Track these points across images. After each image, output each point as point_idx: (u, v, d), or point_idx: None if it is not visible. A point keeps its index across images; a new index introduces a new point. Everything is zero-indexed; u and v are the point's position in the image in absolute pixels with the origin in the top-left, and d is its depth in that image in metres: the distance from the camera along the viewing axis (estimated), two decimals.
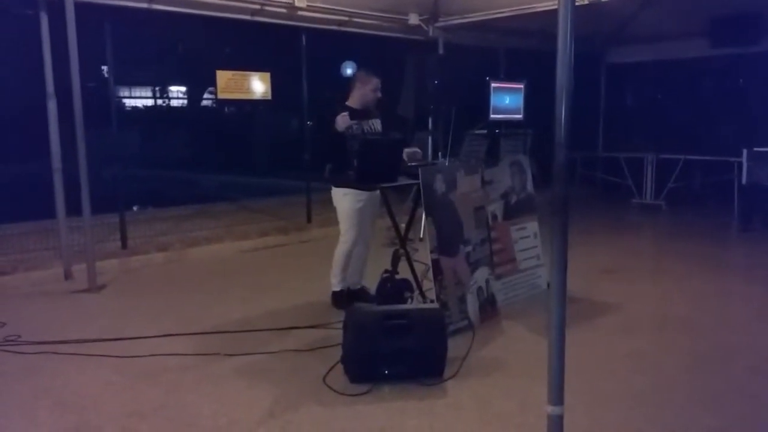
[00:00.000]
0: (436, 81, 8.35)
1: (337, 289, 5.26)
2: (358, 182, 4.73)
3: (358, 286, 5.37)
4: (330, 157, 5.13)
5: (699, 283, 6.07)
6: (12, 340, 4.49)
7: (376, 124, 5.13)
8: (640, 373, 3.96)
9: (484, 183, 5.21)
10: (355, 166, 4.59)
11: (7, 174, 8.23)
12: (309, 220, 8.37)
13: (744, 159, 9.02)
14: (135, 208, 8.47)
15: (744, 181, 9.02)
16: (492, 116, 8.50)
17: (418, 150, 5.07)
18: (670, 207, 10.30)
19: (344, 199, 5.04)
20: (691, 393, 3.69)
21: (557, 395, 2.62)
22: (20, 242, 6.46)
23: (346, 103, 5.06)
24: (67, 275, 6.14)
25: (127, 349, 4.32)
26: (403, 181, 4.74)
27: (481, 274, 4.95)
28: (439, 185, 4.69)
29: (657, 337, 4.61)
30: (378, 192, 5.12)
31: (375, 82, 5.03)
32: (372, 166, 4.48)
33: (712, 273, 6.44)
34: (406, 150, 4.94)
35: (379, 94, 5.09)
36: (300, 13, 7.69)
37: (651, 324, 4.91)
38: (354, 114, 4.92)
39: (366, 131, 5.00)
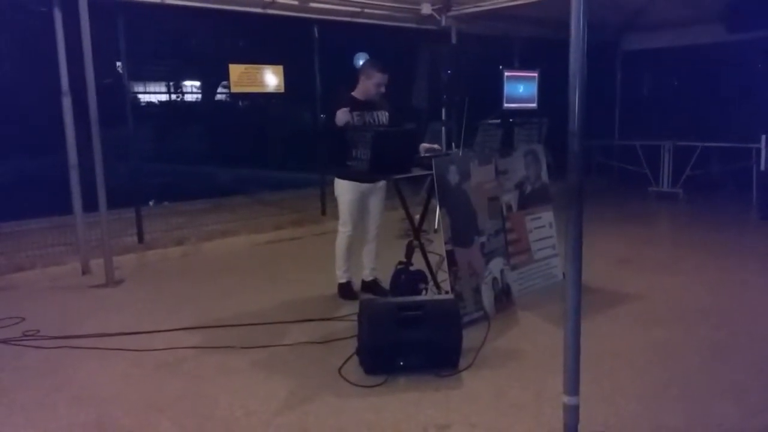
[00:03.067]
0: (449, 71, 8.32)
1: (343, 280, 5.29)
2: (371, 173, 4.72)
3: (371, 278, 5.37)
4: (331, 148, 5.14)
5: (717, 272, 6.00)
6: (31, 335, 4.55)
7: (382, 116, 5.08)
8: (659, 364, 3.93)
9: (499, 173, 5.18)
10: (369, 157, 4.58)
11: (23, 170, 8.30)
12: (323, 212, 8.37)
13: (762, 145, 8.91)
14: (151, 203, 8.52)
15: (762, 167, 8.91)
16: (506, 105, 8.45)
17: (437, 146, 5.06)
18: (687, 195, 10.18)
19: (343, 191, 5.07)
20: (711, 383, 3.65)
21: (573, 386, 2.61)
22: (38, 238, 6.51)
23: (353, 93, 5.04)
24: (85, 270, 6.21)
25: (145, 342, 4.36)
26: (416, 172, 4.74)
27: (496, 264, 4.93)
28: (453, 176, 4.67)
29: (676, 327, 4.56)
30: (383, 183, 5.11)
31: (378, 77, 4.94)
32: (385, 157, 4.47)
33: (730, 261, 6.36)
34: (425, 145, 4.93)
35: (383, 90, 5.01)
36: (312, 5, 7.70)
37: (669, 314, 4.86)
38: (357, 105, 4.92)
39: (368, 122, 4.97)
